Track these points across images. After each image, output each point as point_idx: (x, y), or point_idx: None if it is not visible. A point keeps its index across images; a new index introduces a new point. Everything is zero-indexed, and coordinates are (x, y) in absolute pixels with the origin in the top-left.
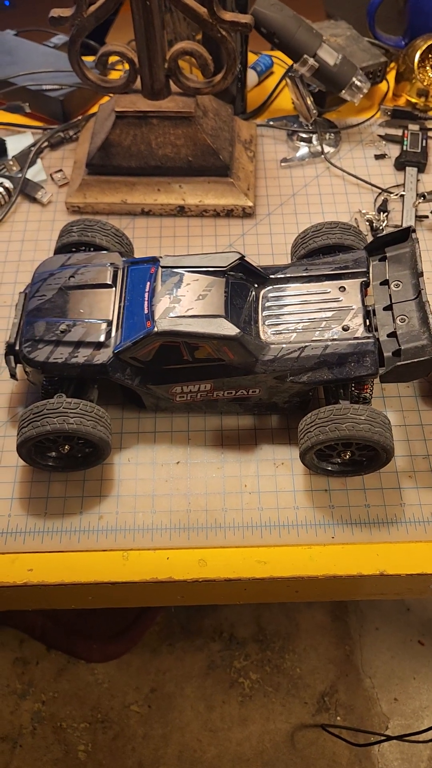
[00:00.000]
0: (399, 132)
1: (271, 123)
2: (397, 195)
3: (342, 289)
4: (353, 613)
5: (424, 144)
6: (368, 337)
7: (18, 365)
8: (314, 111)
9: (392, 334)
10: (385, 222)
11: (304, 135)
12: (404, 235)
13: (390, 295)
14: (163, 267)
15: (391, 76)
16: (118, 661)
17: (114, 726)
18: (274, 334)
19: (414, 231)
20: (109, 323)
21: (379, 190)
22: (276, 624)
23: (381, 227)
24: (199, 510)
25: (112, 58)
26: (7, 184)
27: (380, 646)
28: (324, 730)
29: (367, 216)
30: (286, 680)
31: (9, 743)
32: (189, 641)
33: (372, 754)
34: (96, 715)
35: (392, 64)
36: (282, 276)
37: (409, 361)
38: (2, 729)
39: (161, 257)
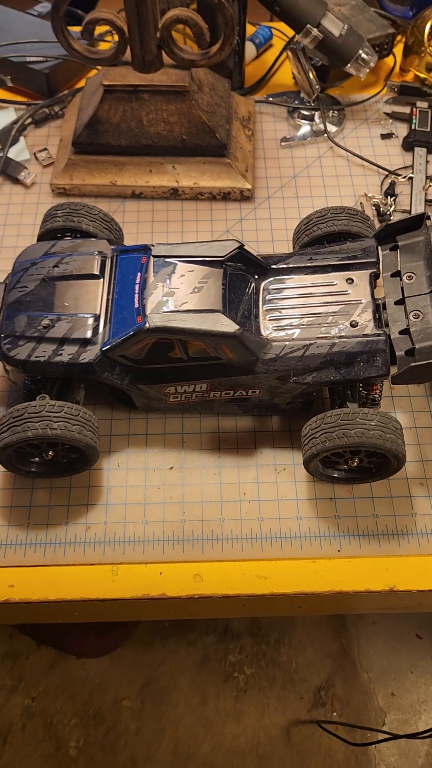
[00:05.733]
0: (407, 110)
1: (271, 99)
2: (405, 177)
3: (350, 280)
4: None
5: None
6: (379, 335)
7: None
8: (317, 86)
9: (405, 331)
10: (393, 206)
11: (305, 112)
12: (418, 222)
13: (402, 288)
14: (155, 256)
15: (399, 49)
16: (110, 655)
17: (106, 721)
18: (275, 330)
19: (429, 218)
20: (97, 318)
21: (386, 173)
22: (271, 616)
23: (388, 212)
24: (195, 520)
25: (101, 28)
26: None
27: (377, 640)
28: (320, 727)
29: (374, 200)
30: (282, 674)
31: None
32: (182, 634)
33: (369, 749)
34: (87, 710)
35: (400, 37)
36: (284, 266)
37: (424, 362)
38: None
39: (153, 245)
